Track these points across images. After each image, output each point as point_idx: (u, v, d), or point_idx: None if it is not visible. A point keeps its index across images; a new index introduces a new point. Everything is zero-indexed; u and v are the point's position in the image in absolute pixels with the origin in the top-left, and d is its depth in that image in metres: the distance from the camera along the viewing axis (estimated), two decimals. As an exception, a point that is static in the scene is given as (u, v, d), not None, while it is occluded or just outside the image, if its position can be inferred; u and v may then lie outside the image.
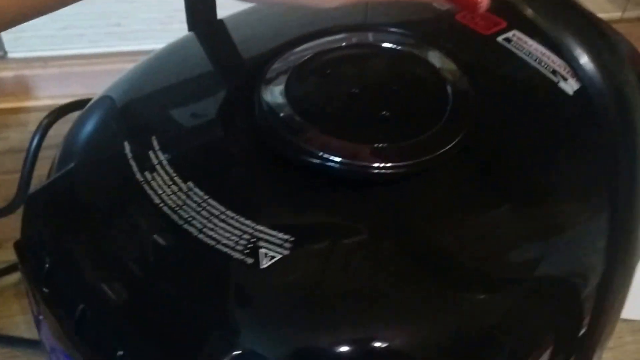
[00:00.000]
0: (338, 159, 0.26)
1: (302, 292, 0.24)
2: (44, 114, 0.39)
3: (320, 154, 0.27)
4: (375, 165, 0.27)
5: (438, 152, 0.27)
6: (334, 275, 0.24)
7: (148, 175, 0.27)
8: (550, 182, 0.28)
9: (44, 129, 0.35)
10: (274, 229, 0.25)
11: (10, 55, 0.62)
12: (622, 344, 0.46)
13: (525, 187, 0.28)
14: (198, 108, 0.31)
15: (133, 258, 0.25)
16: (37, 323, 0.31)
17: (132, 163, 0.27)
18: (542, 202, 0.27)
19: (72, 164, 0.28)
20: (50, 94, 0.54)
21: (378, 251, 0.25)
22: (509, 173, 0.28)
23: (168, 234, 0.25)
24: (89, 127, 0.31)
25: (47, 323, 0.28)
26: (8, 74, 0.53)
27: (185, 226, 0.25)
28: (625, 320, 0.47)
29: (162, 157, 0.27)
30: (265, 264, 0.24)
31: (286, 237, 0.24)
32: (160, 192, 0.26)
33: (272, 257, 0.24)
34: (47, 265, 0.26)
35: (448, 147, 0.27)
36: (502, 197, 0.27)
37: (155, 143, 0.28)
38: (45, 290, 0.27)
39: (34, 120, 0.60)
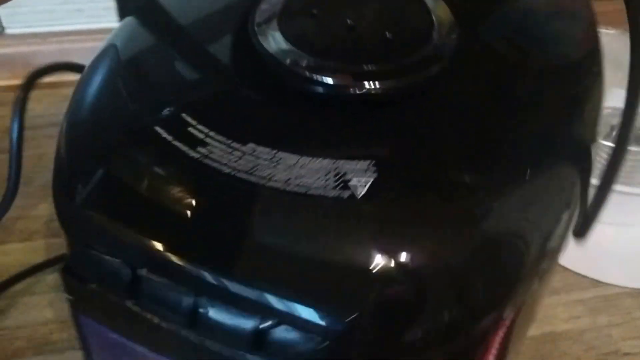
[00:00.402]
0: (372, 85, 0.27)
1: (403, 205, 0.25)
2: (43, 91, 0.38)
3: (349, 83, 0.27)
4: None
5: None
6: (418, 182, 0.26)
7: (203, 150, 0.26)
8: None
9: (21, 105, 0.33)
10: (352, 159, 0.25)
11: (8, 31, 0.60)
12: (631, 319, 0.48)
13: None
14: (209, 64, 0.30)
15: (233, 236, 0.24)
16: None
17: (178, 144, 0.26)
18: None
19: (107, 163, 0.26)
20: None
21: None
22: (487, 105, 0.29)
23: (256, 196, 0.25)
24: (102, 108, 0.29)
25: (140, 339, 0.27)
26: (6, 50, 0.51)
27: (270, 184, 0.25)
28: (633, 296, 0.49)
29: (204, 129, 0.26)
30: (361, 192, 0.24)
31: (367, 162, 0.25)
32: (225, 161, 0.25)
33: (365, 184, 0.24)
34: (128, 276, 0.25)
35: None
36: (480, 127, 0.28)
37: (188, 119, 0.27)
38: (133, 301, 0.26)
39: (33, 98, 0.58)
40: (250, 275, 0.24)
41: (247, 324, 0.24)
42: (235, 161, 0.25)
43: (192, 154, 0.26)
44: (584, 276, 0.49)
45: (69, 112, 0.30)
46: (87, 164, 0.27)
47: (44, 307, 0.46)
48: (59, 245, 0.50)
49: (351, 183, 0.25)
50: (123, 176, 0.26)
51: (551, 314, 0.48)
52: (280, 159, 0.25)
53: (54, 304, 0.46)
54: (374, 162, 0.25)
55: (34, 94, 0.58)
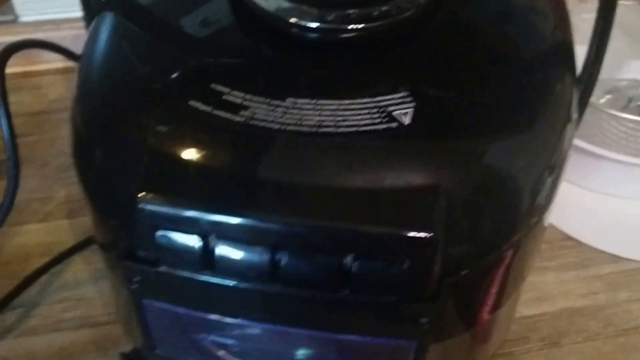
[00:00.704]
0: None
1: (451, 126, 0.27)
2: (57, 77, 0.38)
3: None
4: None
5: None
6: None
7: (246, 113, 0.27)
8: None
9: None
10: (386, 94, 0.27)
11: (22, 19, 0.60)
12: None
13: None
14: (219, 31, 0.31)
15: (300, 183, 0.25)
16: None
17: (220, 113, 0.27)
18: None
19: (155, 147, 0.27)
20: (63, 57, 0.53)
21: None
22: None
23: (312, 145, 0.26)
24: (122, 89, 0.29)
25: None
26: (20, 37, 0.51)
27: (321, 130, 0.26)
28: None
29: (239, 94, 0.27)
30: (407, 120, 0.26)
31: (401, 94, 0.27)
32: (272, 119, 0.26)
33: (408, 114, 0.26)
34: (201, 248, 0.25)
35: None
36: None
37: (220, 88, 0.27)
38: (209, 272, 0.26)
39: (46, 84, 0.59)
40: (327, 216, 0.25)
41: (330, 264, 0.25)
42: (281, 117, 0.26)
43: (237, 118, 0.26)
44: (602, 251, 0.49)
45: (84, 97, 0.30)
46: (133, 154, 0.27)
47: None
48: (75, 225, 0.51)
49: (395, 114, 0.26)
50: (177, 155, 0.26)
51: (568, 289, 0.47)
52: (322, 106, 0.27)
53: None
54: (408, 93, 0.27)
55: (48, 79, 0.58)
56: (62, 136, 0.30)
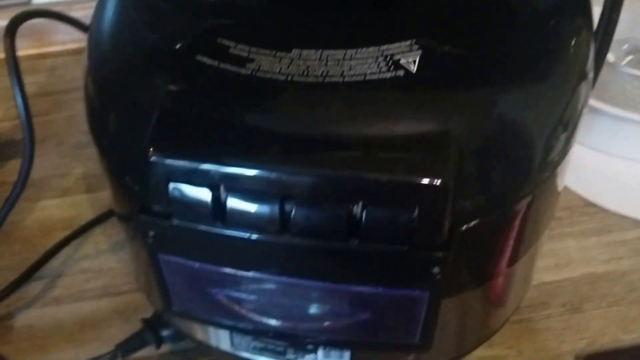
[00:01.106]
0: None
1: (457, 73, 0.26)
2: (72, 57, 0.39)
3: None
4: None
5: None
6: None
7: (252, 65, 0.27)
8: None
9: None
10: (393, 42, 0.27)
11: (35, 0, 0.61)
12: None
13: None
14: None
15: (308, 133, 0.25)
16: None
17: (226, 66, 0.27)
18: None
19: (164, 101, 0.27)
20: (75, 38, 0.54)
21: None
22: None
23: (318, 93, 0.26)
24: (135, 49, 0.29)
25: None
26: (33, 20, 0.52)
27: (328, 79, 0.26)
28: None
29: (245, 47, 0.27)
30: (414, 67, 0.26)
31: (408, 42, 0.27)
32: (277, 70, 0.26)
33: (415, 61, 0.26)
34: (213, 199, 0.26)
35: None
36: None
37: (225, 42, 0.28)
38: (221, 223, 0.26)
39: (61, 65, 0.60)
40: (335, 164, 0.25)
41: (339, 213, 0.25)
42: (288, 68, 0.26)
43: (244, 71, 0.26)
44: (625, 217, 0.48)
45: (97, 59, 0.30)
46: (144, 112, 0.27)
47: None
48: (94, 199, 0.52)
49: (402, 62, 0.26)
50: (186, 109, 0.26)
51: (590, 256, 0.46)
52: (328, 56, 0.27)
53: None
54: (414, 40, 0.27)
55: (63, 60, 0.59)
56: (78, 114, 0.31)
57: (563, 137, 0.29)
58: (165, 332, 0.40)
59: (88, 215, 0.49)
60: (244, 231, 0.26)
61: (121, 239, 0.47)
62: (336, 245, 0.26)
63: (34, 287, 0.45)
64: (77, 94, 0.37)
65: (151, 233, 0.28)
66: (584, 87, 0.30)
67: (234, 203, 0.26)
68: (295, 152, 0.25)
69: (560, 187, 0.32)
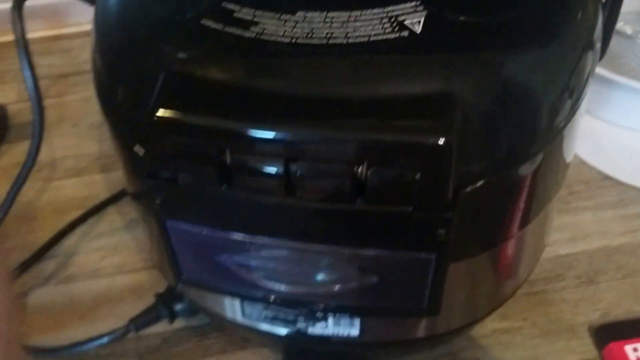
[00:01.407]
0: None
1: (461, 34, 0.26)
2: (86, 39, 0.39)
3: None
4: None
5: None
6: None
7: (256, 29, 0.27)
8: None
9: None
10: (398, 3, 0.27)
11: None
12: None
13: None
14: None
15: (315, 94, 0.25)
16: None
17: (231, 30, 0.27)
18: None
19: (170, 64, 0.27)
20: (90, 19, 0.54)
21: None
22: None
23: (323, 55, 0.26)
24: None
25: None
26: (44, 2, 0.52)
27: (332, 41, 0.26)
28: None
29: (249, 11, 0.27)
30: (419, 28, 0.26)
31: (413, 3, 0.27)
32: (282, 32, 0.26)
33: (419, 22, 0.26)
34: (220, 161, 0.25)
35: None
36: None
37: (230, 6, 0.27)
38: (227, 186, 0.26)
39: (77, 46, 0.60)
40: (340, 125, 0.25)
41: (344, 173, 0.25)
42: (292, 30, 0.26)
43: (248, 34, 0.26)
44: (642, 190, 0.47)
45: (101, 26, 0.31)
46: (149, 76, 0.27)
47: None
48: (108, 179, 0.52)
49: (406, 23, 0.26)
50: (191, 71, 0.26)
51: (606, 228, 0.46)
52: (332, 18, 0.27)
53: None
54: (419, 2, 0.27)
55: (79, 42, 0.60)
56: (93, 96, 0.31)
57: (568, 103, 0.28)
58: (178, 306, 0.41)
59: (102, 194, 0.49)
60: (249, 194, 0.26)
61: (135, 218, 0.47)
62: (342, 207, 0.26)
63: (48, 266, 0.46)
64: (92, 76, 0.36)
65: (159, 198, 0.28)
66: (590, 55, 0.29)
67: (239, 164, 0.26)
68: (300, 114, 0.25)
69: (567, 156, 0.31)
